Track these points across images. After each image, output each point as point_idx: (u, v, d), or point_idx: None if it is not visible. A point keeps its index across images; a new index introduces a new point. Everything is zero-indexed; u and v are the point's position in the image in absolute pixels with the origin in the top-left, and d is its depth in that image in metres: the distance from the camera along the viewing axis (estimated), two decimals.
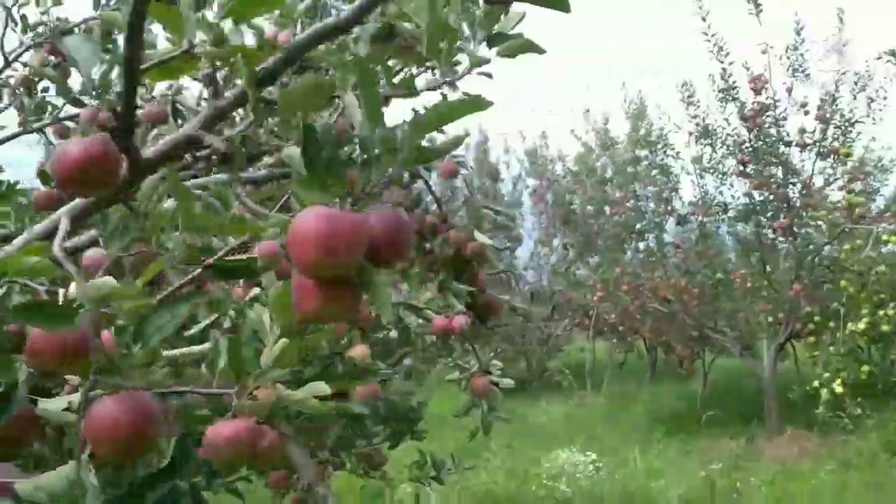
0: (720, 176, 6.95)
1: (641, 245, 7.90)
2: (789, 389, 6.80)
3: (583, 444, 6.60)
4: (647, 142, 7.66)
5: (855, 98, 6.54)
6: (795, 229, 6.71)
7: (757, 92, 6.46)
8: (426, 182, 1.66)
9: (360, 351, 1.39)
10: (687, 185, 7.67)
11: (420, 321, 1.82)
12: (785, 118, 6.52)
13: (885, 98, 7.20)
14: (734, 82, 6.41)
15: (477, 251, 1.54)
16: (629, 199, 7.70)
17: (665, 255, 7.39)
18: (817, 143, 6.55)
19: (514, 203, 11.15)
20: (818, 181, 7.17)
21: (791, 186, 6.60)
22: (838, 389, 6.00)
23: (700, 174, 7.25)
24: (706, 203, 7.25)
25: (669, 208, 7.69)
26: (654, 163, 7.68)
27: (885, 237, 6.45)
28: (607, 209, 7.83)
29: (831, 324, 6.60)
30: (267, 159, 1.44)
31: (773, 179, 6.57)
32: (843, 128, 6.61)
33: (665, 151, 7.53)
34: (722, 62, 6.31)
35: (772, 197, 6.69)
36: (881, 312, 6.25)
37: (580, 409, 8.48)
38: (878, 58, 3.63)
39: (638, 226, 7.64)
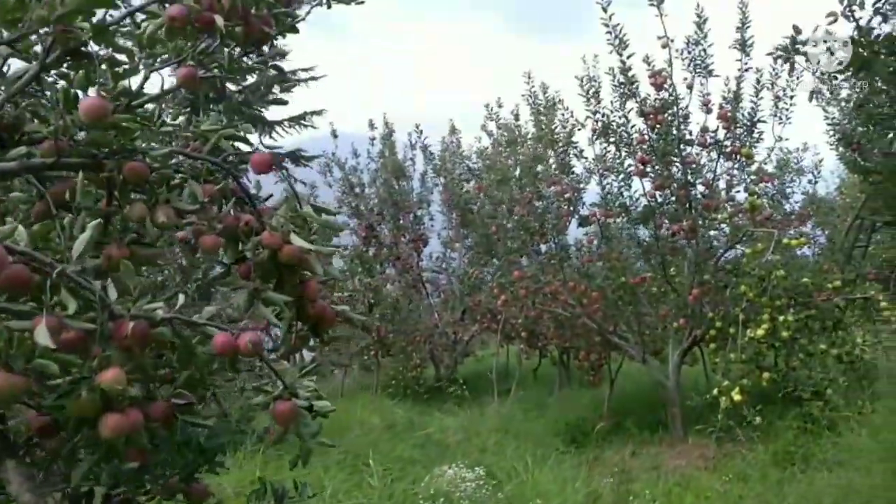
0: (622, 176, 6.66)
1: (543, 248, 7.56)
2: (693, 397, 6.56)
3: (476, 458, 6.21)
4: (550, 139, 7.35)
5: (758, 96, 6.34)
6: (699, 232, 6.47)
7: (658, 88, 6.19)
8: (234, 177, 1.49)
9: (111, 376, 1.15)
10: (592, 186, 7.40)
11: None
12: (686, 116, 6.26)
13: (791, 97, 7.09)
14: (633, 76, 6.11)
15: (293, 256, 1.39)
16: (530, 200, 7.36)
17: (565, 259, 7.05)
18: (719, 143, 6.34)
19: (423, 201, 10.72)
20: (724, 183, 7.00)
21: (692, 188, 6.34)
22: (736, 398, 5.75)
23: (602, 174, 6.95)
24: (608, 204, 6.96)
25: (571, 209, 7.39)
26: (557, 162, 7.38)
27: (786, 240, 6.28)
28: (507, 209, 7.46)
29: (732, 329, 6.37)
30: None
31: (673, 180, 6.31)
32: (745, 127, 6.41)
33: (567, 150, 7.23)
34: (620, 55, 6.00)
35: (674, 198, 6.44)
36: (781, 318, 6.05)
37: (482, 419, 8.08)
38: (770, 54, 3.31)
39: (537, 226, 7.29)
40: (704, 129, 6.37)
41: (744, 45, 6.10)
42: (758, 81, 6.23)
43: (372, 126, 11.51)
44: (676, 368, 7.24)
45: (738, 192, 7.03)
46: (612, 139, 6.39)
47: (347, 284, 10.80)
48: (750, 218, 6.73)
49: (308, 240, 1.47)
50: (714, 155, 6.48)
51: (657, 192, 6.51)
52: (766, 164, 7.31)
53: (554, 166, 7.41)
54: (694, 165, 6.80)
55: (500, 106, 9.27)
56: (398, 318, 10.15)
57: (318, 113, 15.34)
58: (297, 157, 15.13)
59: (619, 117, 6.30)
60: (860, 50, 2.87)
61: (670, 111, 6.12)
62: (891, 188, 7.83)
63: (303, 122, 14.75)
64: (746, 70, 6.18)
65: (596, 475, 6.00)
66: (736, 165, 6.75)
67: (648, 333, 7.83)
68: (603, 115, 6.38)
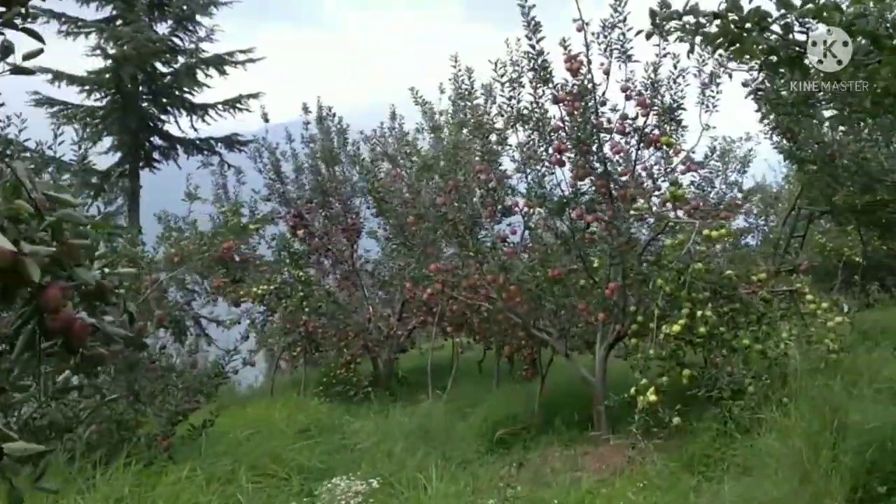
0: (540, 164, 6.31)
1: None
2: (611, 396, 6.25)
3: (381, 466, 5.85)
4: (473, 125, 6.99)
5: (675, 82, 6.02)
6: (617, 223, 6.15)
7: (573, 73, 5.84)
8: None
9: None
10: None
11: None
12: (604, 103, 5.92)
13: (717, 84, 6.81)
14: (545, 61, 5.74)
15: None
16: (452, 189, 6.99)
17: (483, 251, 6.68)
18: (638, 131, 6.01)
19: (354, 190, 10.24)
20: (646, 172, 6.71)
21: (610, 178, 6.00)
22: (651, 398, 5.47)
23: (524, 162, 6.60)
24: (530, 194, 6.61)
25: (496, 200, 7.04)
26: (482, 149, 7.02)
27: (706, 232, 6.00)
28: (428, 199, 7.10)
29: (652, 325, 6.08)
30: None
31: (591, 169, 5.97)
32: (665, 115, 6.10)
33: (486, 136, 6.88)
34: (530, 39, 5.62)
35: (592, 189, 6.11)
36: (699, 314, 5.77)
37: (404, 421, 7.71)
38: (639, 32, 3.00)
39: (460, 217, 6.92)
40: (624, 117, 6.03)
41: (661, 30, 5.75)
42: (675, 67, 5.91)
43: (306, 110, 10.99)
44: (602, 363, 6.96)
45: (665, 181, 6.74)
46: (527, 126, 6.03)
47: (276, 277, 10.38)
48: (673, 209, 6.46)
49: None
50: (634, 143, 6.16)
51: (578, 182, 6.18)
52: (693, 153, 7.04)
53: (478, 155, 7.04)
54: (618, 155, 6.50)
55: (442, 92, 8.87)
56: (327, 313, 9.73)
57: (255, 96, 14.85)
58: (231, 142, 14.69)
59: (531, 103, 5.93)
60: (728, 24, 2.53)
61: (587, 97, 5.76)
62: (824, 177, 7.62)
63: (238, 105, 14.27)
64: (665, 55, 5.86)
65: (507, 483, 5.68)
66: (660, 154, 6.45)
67: (579, 327, 7.55)
68: (518, 101, 6.01)
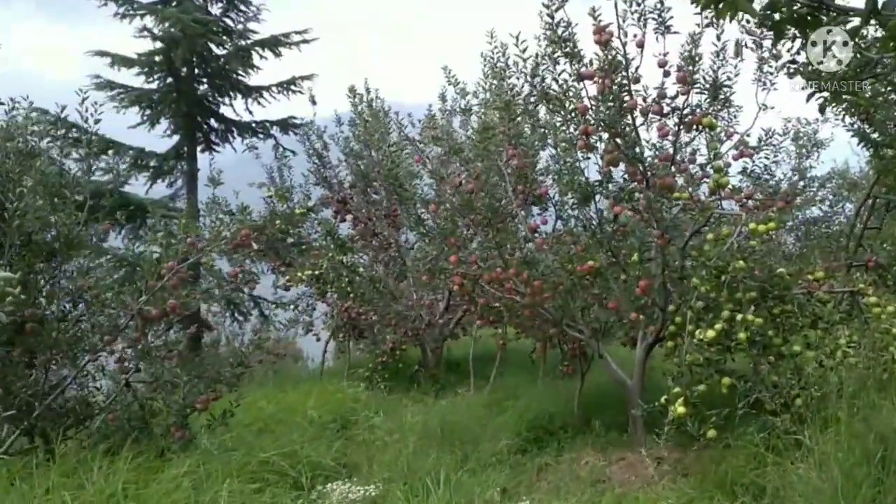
0: (567, 148, 5.79)
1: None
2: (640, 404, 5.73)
3: (391, 468, 5.55)
4: (501, 106, 6.51)
5: (720, 56, 5.37)
6: (652, 214, 5.58)
7: (603, 46, 5.28)
8: None
9: None
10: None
11: None
12: (637, 79, 5.33)
13: (774, 58, 6.13)
14: (569, 33, 5.19)
15: None
16: (478, 175, 6.56)
17: (511, 242, 6.23)
18: (676, 111, 5.41)
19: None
20: (691, 158, 6.09)
21: (643, 163, 5.43)
22: (679, 410, 4.94)
23: (555, 147, 6.10)
24: (559, 181, 6.12)
25: (526, 186, 6.57)
26: (507, 130, 6.54)
27: (752, 225, 5.36)
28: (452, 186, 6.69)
29: (690, 327, 5.51)
30: None
31: (623, 154, 5.40)
32: (711, 92, 5.46)
33: (515, 119, 6.40)
34: (547, 7, 5.09)
35: (626, 176, 5.57)
36: (739, 317, 5.17)
37: (434, 414, 7.39)
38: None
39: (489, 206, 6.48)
40: (661, 95, 5.43)
41: None
42: (718, 38, 5.25)
43: (354, 93, 10.71)
44: (641, 365, 6.42)
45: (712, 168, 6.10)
46: (552, 106, 5.52)
47: (321, 263, 10.21)
48: (721, 198, 5.85)
49: None
50: (674, 125, 5.56)
51: (609, 169, 5.65)
52: (747, 136, 6.35)
53: (506, 138, 6.58)
54: (665, 139, 5.91)
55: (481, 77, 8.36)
56: (368, 298, 9.50)
57: (308, 78, 14.69)
58: (287, 125, 14.60)
59: (553, 79, 5.41)
60: None
61: (619, 72, 5.20)
62: None
63: (292, 88, 14.15)
64: (707, 25, 5.21)
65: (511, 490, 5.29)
66: (706, 137, 5.81)
67: (623, 323, 7.01)
68: (542, 80, 5.51)
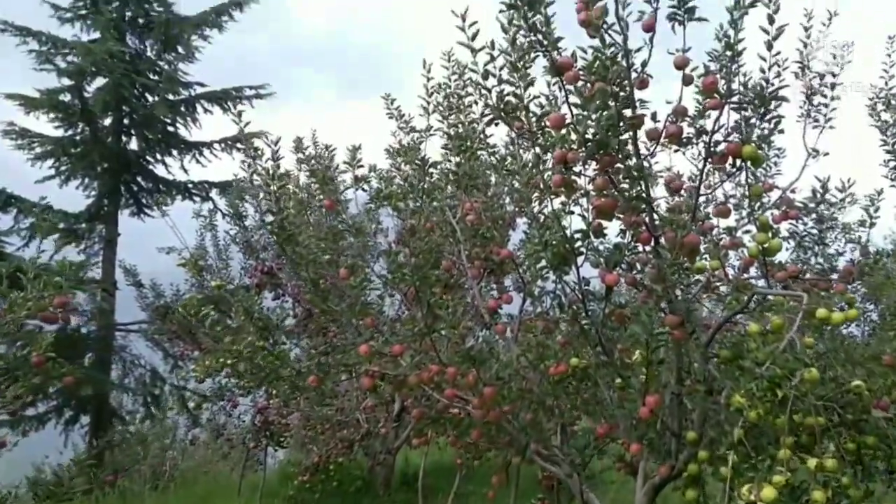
0: (543, 191, 3.87)
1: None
2: None
3: None
4: (456, 140, 4.69)
5: (770, 50, 3.53)
6: (668, 290, 3.59)
7: (591, 30, 3.43)
8: None
9: None
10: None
11: None
12: (645, 83, 3.46)
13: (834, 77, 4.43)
14: (545, 16, 3.32)
15: None
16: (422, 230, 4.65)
17: (454, 324, 4.21)
18: (702, 135, 3.53)
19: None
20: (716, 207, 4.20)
21: (652, 213, 3.48)
22: None
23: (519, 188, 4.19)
24: (531, 241, 4.19)
25: (483, 250, 4.63)
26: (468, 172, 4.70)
27: (821, 312, 3.38)
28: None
29: (723, 470, 3.44)
30: None
31: (623, 194, 3.47)
32: (751, 108, 3.58)
33: (474, 154, 4.56)
34: None
35: (621, 229, 3.63)
36: (812, 462, 3.12)
37: None
38: None
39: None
40: (681, 112, 3.55)
41: None
42: (770, 21, 3.42)
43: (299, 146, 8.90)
44: None
45: (748, 226, 4.21)
46: (509, 119, 3.64)
47: (237, 349, 8.17)
48: (763, 274, 3.96)
49: None
50: (697, 155, 3.68)
51: (599, 217, 3.70)
52: (793, 191, 4.49)
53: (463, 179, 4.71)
54: (676, 195, 4.12)
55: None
56: (287, 397, 7.40)
57: (256, 135, 12.94)
58: (229, 187, 12.81)
59: (517, 80, 3.55)
60: None
61: (613, 69, 3.32)
62: None
63: (237, 145, 12.42)
64: (751, 5, 3.39)
65: None
66: (741, 178, 3.94)
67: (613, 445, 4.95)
68: (498, 80, 3.64)
